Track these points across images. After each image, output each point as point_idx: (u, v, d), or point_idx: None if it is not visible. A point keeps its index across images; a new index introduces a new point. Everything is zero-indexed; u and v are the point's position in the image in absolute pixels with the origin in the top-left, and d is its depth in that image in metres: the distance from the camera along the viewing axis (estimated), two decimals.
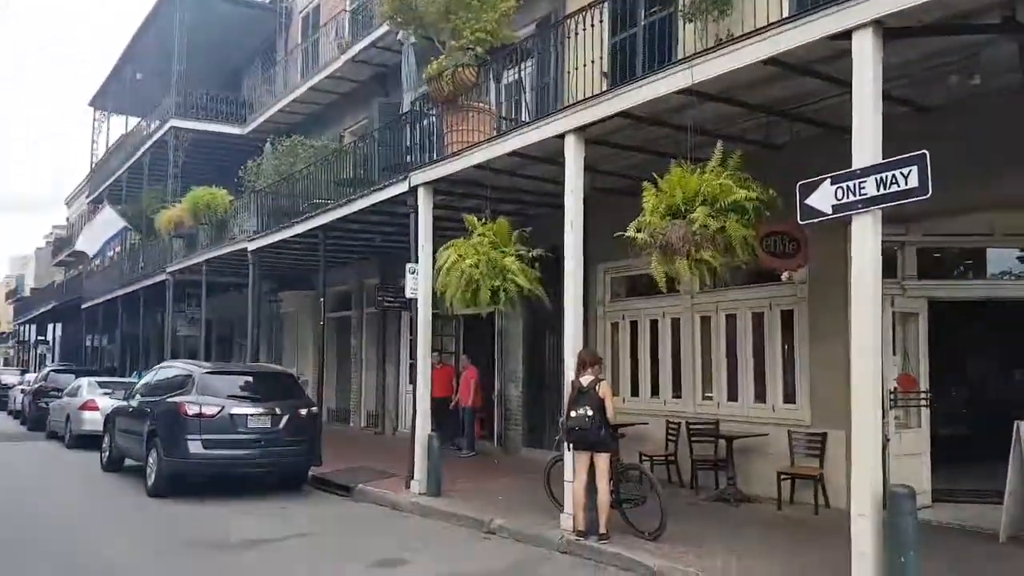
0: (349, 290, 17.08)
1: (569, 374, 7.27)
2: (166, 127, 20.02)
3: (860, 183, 5.32)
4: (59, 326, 38.06)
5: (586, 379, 6.99)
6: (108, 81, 25.49)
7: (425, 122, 10.94)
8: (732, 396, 9.36)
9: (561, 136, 7.67)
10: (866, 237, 5.33)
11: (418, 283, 9.54)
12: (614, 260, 10.20)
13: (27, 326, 42.21)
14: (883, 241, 8.08)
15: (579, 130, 7.51)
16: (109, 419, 12.04)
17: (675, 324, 10.09)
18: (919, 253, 8.23)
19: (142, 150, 21.98)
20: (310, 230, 12.47)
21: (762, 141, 8.22)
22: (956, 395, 11.87)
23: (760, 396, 9.07)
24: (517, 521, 7.77)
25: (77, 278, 29.87)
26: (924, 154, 5.04)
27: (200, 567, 6.64)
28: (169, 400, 9.99)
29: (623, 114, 7.39)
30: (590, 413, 6.79)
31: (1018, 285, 8.23)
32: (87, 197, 28.81)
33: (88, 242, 22.35)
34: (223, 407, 9.58)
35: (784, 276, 8.85)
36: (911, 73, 6.61)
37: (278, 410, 9.89)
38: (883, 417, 7.81)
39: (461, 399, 12.36)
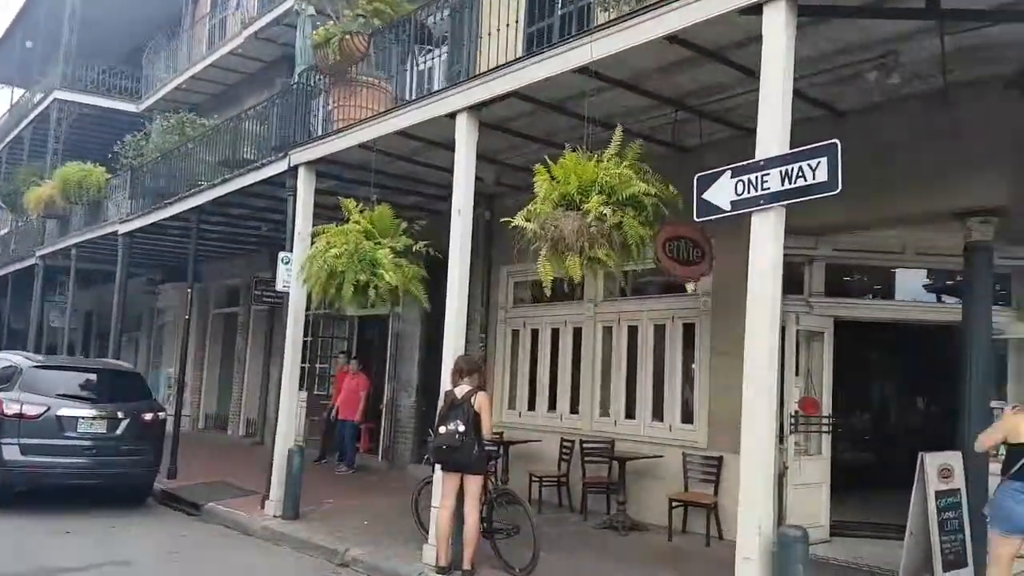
0: (238, 284, 15.73)
1: (445, 384, 6.40)
2: (49, 99, 18.22)
3: (763, 176, 4.68)
4: None
5: (461, 390, 6.13)
6: None
7: (317, 102, 9.93)
8: (630, 413, 8.68)
9: (452, 115, 6.84)
10: (767, 237, 4.67)
11: (291, 275, 8.49)
12: (520, 263, 9.36)
13: None
14: (791, 255, 7.59)
15: (472, 110, 6.70)
16: None
17: (576, 334, 9.37)
18: (828, 269, 7.76)
19: (23, 124, 20.01)
20: (182, 213, 11.22)
21: (671, 142, 7.61)
22: (859, 421, 11.62)
23: (658, 414, 8.42)
24: (376, 552, 6.80)
25: None
26: (835, 144, 4.44)
27: None
28: None
29: (521, 96, 6.65)
30: (461, 429, 5.92)
31: (925, 308, 7.86)
32: None
33: None
34: (49, 407, 8.22)
35: (689, 287, 8.29)
36: (826, 68, 6.09)
37: (117, 413, 8.60)
38: (782, 443, 7.33)
39: (341, 410, 11.25)
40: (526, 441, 9.27)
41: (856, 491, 9.00)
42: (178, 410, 11.28)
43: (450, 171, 6.82)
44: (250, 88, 15.97)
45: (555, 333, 9.66)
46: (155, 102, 17.51)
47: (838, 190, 4.42)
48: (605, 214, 5.37)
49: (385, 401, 11.70)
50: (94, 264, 15.80)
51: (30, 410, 8.14)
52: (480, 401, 6.03)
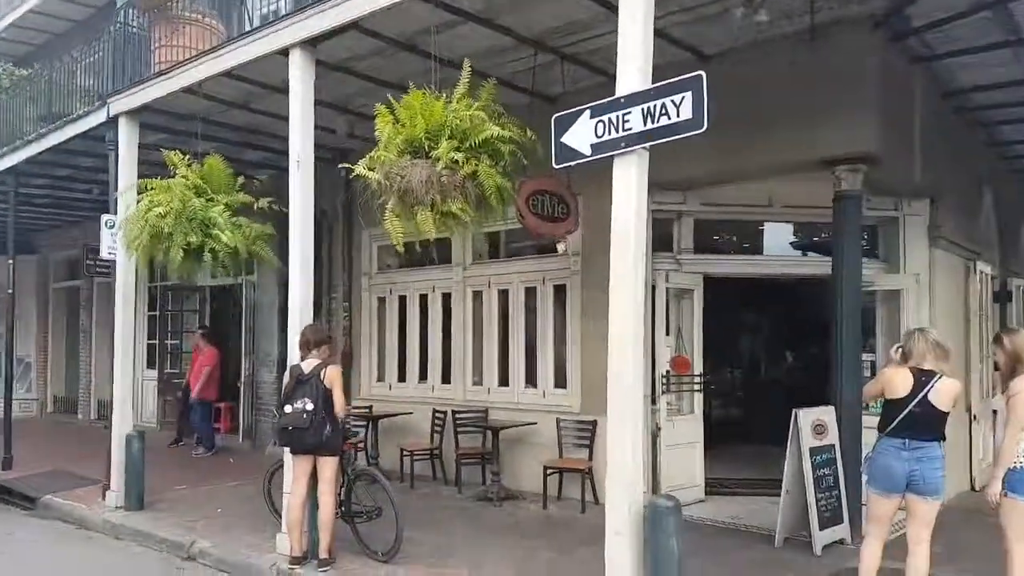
0: (77, 256, 14.00)
1: (295, 358, 5.64)
2: None
3: (624, 115, 4.18)
4: None
5: (309, 364, 5.40)
6: None
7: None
8: (503, 381, 8.19)
9: (285, 52, 5.96)
10: (630, 184, 4.19)
11: (117, 241, 7.39)
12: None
13: None
14: (659, 211, 7.40)
15: (307, 44, 5.84)
16: None
17: (446, 300, 8.75)
18: (696, 225, 7.50)
19: None
20: None
21: (532, 89, 6.99)
22: (730, 377, 11.73)
23: (531, 381, 7.98)
24: (227, 543, 6.06)
25: None
26: (700, 76, 3.98)
27: None
28: None
29: (363, 30, 5.86)
30: (310, 407, 5.22)
31: (793, 262, 7.77)
32: None
33: None
34: None
35: (560, 247, 7.84)
36: (691, 6, 5.67)
37: None
38: (655, 404, 7.07)
39: (192, 389, 10.21)
40: (396, 414, 8.64)
41: (729, 449, 9.00)
42: (8, 394, 9.90)
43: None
44: (84, 37, 14.08)
45: (423, 300, 9.00)
46: None
47: (704, 128, 3.97)
48: (457, 161, 4.75)
49: (243, 377, 10.71)
50: None
51: None
52: (330, 375, 5.34)
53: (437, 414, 8.25)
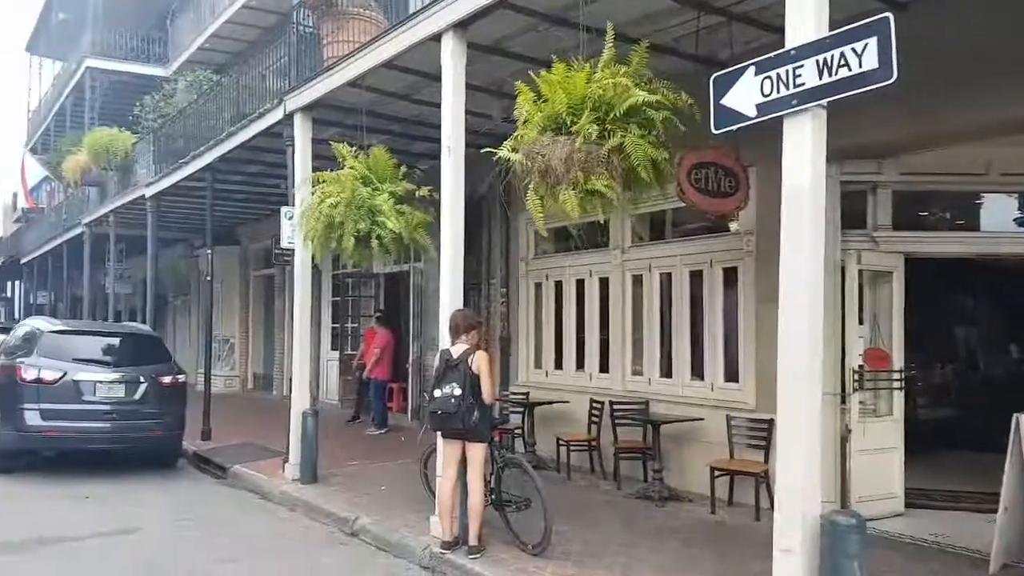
0: (271, 246, 15.31)
1: (445, 343, 5.64)
2: (81, 69, 18.09)
3: (795, 69, 3.65)
4: (19, 283, 36.02)
5: (458, 348, 5.36)
6: (38, 24, 23.46)
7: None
8: (666, 372, 7.73)
9: (437, 37, 5.92)
10: (804, 148, 3.66)
11: (295, 231, 7.85)
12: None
13: None
14: (850, 182, 6.58)
15: (458, 28, 5.76)
16: None
17: (603, 285, 8.42)
18: (895, 197, 6.54)
19: (64, 94, 20.05)
20: (196, 173, 10.72)
21: (699, 54, 6.42)
22: (940, 375, 10.31)
23: (698, 372, 7.45)
24: (387, 521, 6.22)
25: (19, 232, 27.96)
26: (887, 18, 3.36)
27: None
28: (6, 363, 8.40)
29: (512, 6, 5.66)
30: (457, 393, 5.17)
31: (1016, 239, 6.57)
32: (25, 146, 26.79)
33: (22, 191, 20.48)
34: (65, 372, 8.01)
35: (732, 225, 7.23)
36: None
37: (136, 378, 8.35)
38: (844, 403, 6.29)
39: (366, 368, 10.73)
40: (552, 402, 8.47)
41: (936, 456, 7.89)
42: (208, 371, 11.03)
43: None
44: (268, 43, 15.31)
45: (580, 285, 8.73)
46: (182, 65, 17.11)
47: (893, 78, 3.34)
48: (604, 134, 4.42)
49: (411, 360, 11.08)
50: (133, 230, 15.66)
51: (48, 375, 7.96)
52: (479, 361, 5.25)
53: (595, 404, 7.96)
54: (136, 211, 14.01)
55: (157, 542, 5.99)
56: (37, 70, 25.35)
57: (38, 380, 7.90)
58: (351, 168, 6.73)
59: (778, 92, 3.73)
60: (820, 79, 3.56)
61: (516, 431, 8.55)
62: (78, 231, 17.25)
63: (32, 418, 7.80)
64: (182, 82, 14.23)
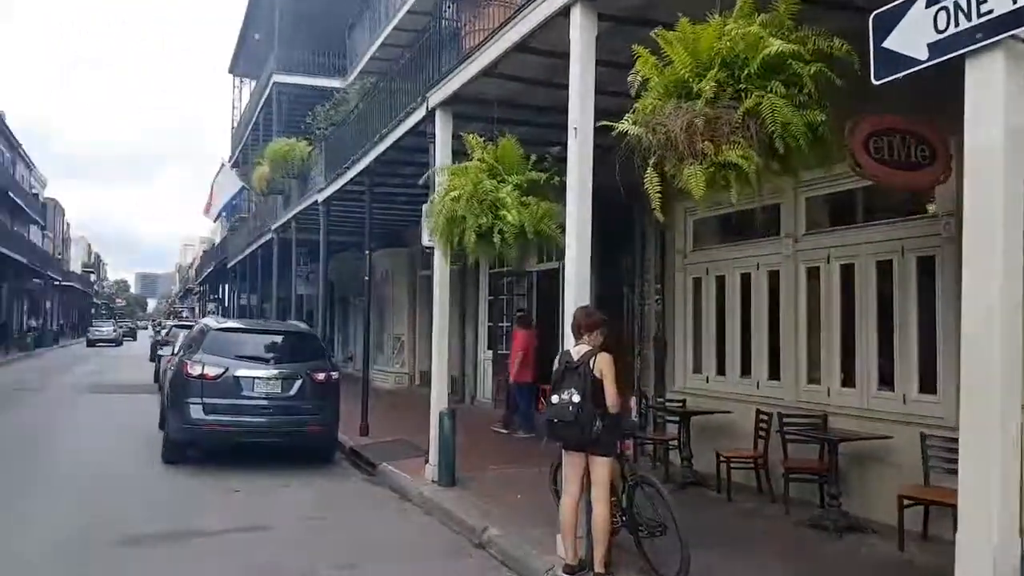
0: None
1: (570, 343, 5.24)
2: (270, 84, 19.78)
3: None
4: (227, 286, 40.46)
5: (578, 350, 4.93)
6: (238, 47, 26.09)
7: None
8: (848, 380, 6.73)
9: (566, 11, 5.54)
10: (993, 93, 2.87)
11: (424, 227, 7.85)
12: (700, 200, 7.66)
13: (207, 285, 45.34)
14: None
15: None
16: (162, 375, 11.62)
17: (773, 279, 7.54)
18: None
19: (256, 110, 22.08)
20: (356, 177, 11.16)
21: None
22: None
23: (887, 381, 6.40)
24: (515, 534, 5.93)
25: (225, 239, 31.39)
26: None
27: (90, 566, 5.40)
28: (178, 359, 9.22)
29: None
30: (576, 399, 4.74)
31: None
32: (228, 161, 30.05)
33: (215, 205, 22.98)
34: (227, 368, 8.60)
35: (930, 206, 6.13)
36: None
37: (290, 373, 8.80)
38: None
39: (510, 370, 10.57)
40: (712, 412, 7.73)
41: None
42: (366, 368, 11.47)
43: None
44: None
45: (745, 279, 7.89)
46: (358, 75, 18.08)
47: None
48: (725, 96, 3.80)
49: None
50: (313, 234, 16.82)
51: (211, 371, 8.58)
52: (601, 364, 4.79)
53: (762, 416, 7.13)
54: (312, 216, 14.98)
55: (281, 541, 6.12)
56: (238, 90, 28.25)
57: (201, 376, 8.55)
58: (479, 160, 6.53)
59: (956, 26, 2.98)
60: (1015, 2, 2.76)
61: (671, 443, 7.93)
62: (268, 237, 18.86)
63: (196, 412, 8.44)
64: (352, 91, 15.00)
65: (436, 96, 8.00)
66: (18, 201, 40.54)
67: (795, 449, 6.68)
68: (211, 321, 10.11)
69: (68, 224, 71.69)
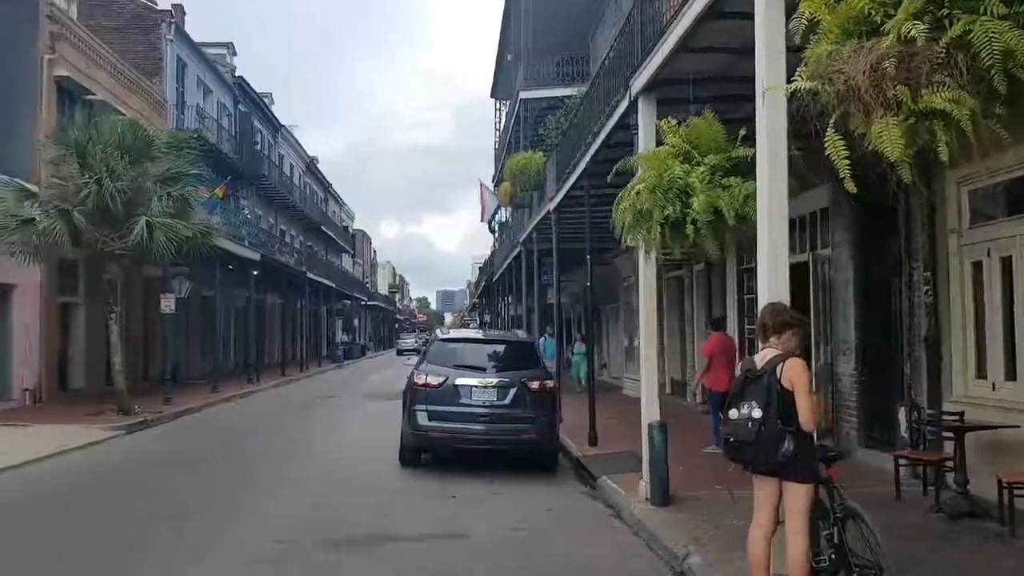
0: None
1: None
2: (517, 101, 20.57)
3: None
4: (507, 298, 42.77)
5: (764, 356, 4.22)
6: (496, 72, 27.63)
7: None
8: None
9: None
10: None
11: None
12: (975, 165, 6.22)
13: (483, 298, 48.40)
14: None
15: None
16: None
17: None
18: None
19: (509, 128, 23.12)
20: (577, 180, 11.04)
21: None
22: None
23: None
24: (720, 565, 5.29)
25: (494, 253, 33.25)
26: None
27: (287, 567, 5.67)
28: (413, 369, 9.84)
29: None
30: (757, 414, 4.04)
31: None
32: (492, 180, 31.86)
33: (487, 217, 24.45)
34: (447, 377, 8.98)
35: None
36: None
37: (506, 382, 8.95)
38: None
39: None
40: (995, 427, 6.24)
41: None
42: (592, 375, 11.36)
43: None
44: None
45: None
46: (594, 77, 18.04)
47: None
48: (920, 26, 2.96)
49: (816, 368, 9.47)
50: (550, 244, 17.11)
51: (433, 380, 9.04)
52: (790, 372, 4.04)
53: None
54: (547, 226, 15.20)
55: (471, 552, 6.08)
56: (498, 112, 29.89)
57: (425, 384, 9.01)
58: (670, 145, 6.00)
59: None
60: None
61: (946, 464, 6.56)
62: (517, 250, 19.59)
63: (422, 418, 8.89)
64: (580, 95, 14.98)
65: (637, 83, 7.57)
66: (330, 233, 47.29)
67: None
68: (438, 332, 10.68)
69: (375, 251, 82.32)
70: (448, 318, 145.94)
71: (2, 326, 14.40)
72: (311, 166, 46.63)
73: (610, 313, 21.30)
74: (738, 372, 4.40)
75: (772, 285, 4.71)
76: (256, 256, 23.39)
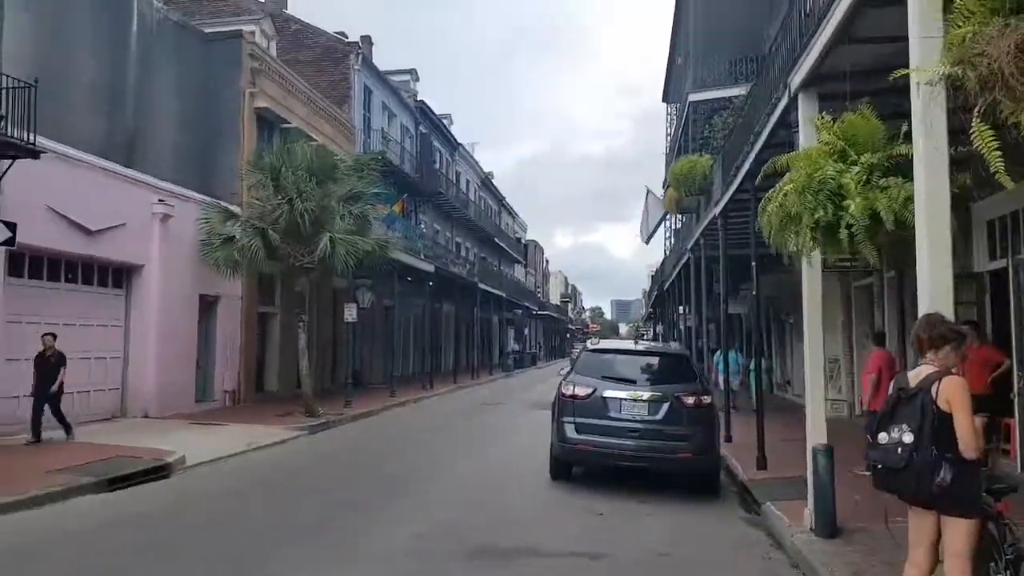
0: None
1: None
2: (687, 105, 20.12)
3: None
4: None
5: (919, 373, 3.84)
6: (667, 75, 27.21)
7: None
8: None
9: None
10: None
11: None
12: None
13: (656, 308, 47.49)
14: None
15: None
16: None
17: None
18: None
19: (678, 132, 22.63)
20: (743, 183, 10.57)
21: None
22: None
23: None
24: None
25: (665, 261, 32.56)
26: None
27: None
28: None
29: None
30: (908, 439, 3.69)
31: None
32: (663, 186, 31.17)
33: (645, 229, 24.08)
34: (595, 388, 8.78)
35: None
36: None
37: (658, 396, 8.61)
38: None
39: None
40: None
41: None
42: (759, 392, 10.72)
43: None
44: None
45: None
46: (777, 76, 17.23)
47: None
48: None
49: (1018, 387, 8.35)
50: (717, 251, 16.45)
51: (580, 391, 8.86)
52: (948, 391, 3.65)
53: None
54: (714, 230, 14.66)
55: (612, 572, 5.96)
56: (670, 116, 29.32)
57: (573, 396, 8.84)
58: (823, 143, 5.63)
59: None
60: None
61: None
62: (686, 257, 19.07)
63: (570, 430, 8.74)
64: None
65: (796, 77, 7.15)
66: (502, 245, 48.72)
67: None
68: (589, 343, 10.54)
69: (547, 261, 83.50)
70: (623, 328, 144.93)
71: (207, 333, 16.23)
72: (486, 181, 48.38)
73: (795, 324, 20.10)
74: (891, 390, 4.01)
75: (932, 294, 4.26)
76: (431, 268, 24.65)
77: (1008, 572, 3.73)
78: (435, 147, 35.25)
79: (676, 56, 24.57)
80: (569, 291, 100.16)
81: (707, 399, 8.77)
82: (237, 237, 13.82)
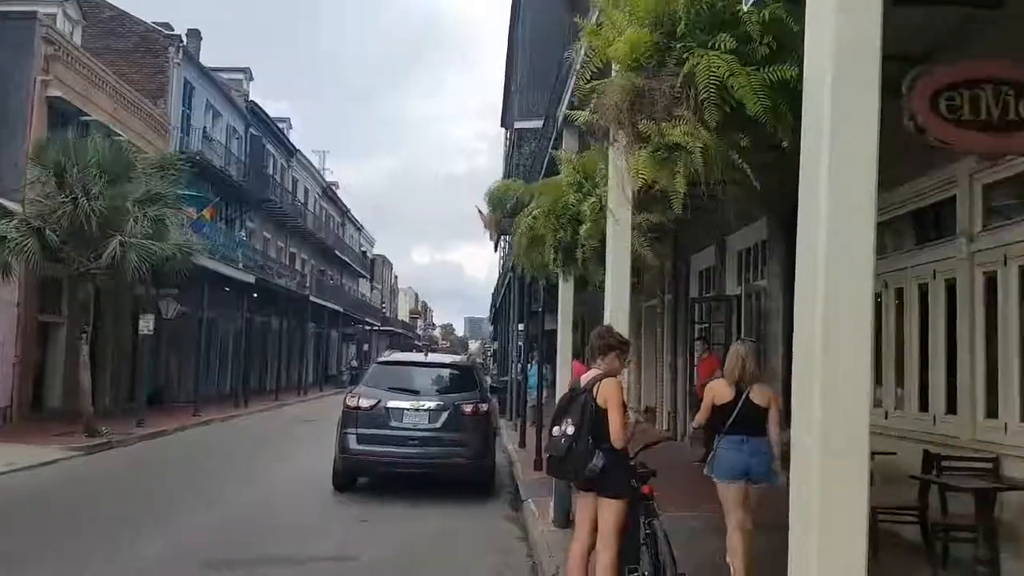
0: None
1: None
2: (512, 131, 21.18)
3: None
4: None
5: (588, 375, 4.58)
6: (504, 103, 28.29)
7: None
8: None
9: None
10: None
11: None
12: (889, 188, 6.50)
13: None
14: None
15: None
16: None
17: (950, 290, 6.15)
18: None
19: (508, 157, 23.72)
20: None
21: None
22: None
23: None
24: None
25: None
26: None
27: None
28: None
29: None
30: (570, 431, 4.40)
31: None
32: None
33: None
34: (380, 400, 9.27)
35: None
36: None
37: (439, 406, 9.24)
38: None
39: None
40: (875, 453, 6.43)
41: None
42: (540, 398, 11.55)
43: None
44: None
45: (922, 291, 6.54)
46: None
47: None
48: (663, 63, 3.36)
49: None
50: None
51: (365, 403, 9.35)
52: (605, 391, 4.39)
53: (931, 458, 5.80)
54: None
55: (356, 573, 6.37)
56: (508, 141, 30.55)
57: (357, 407, 9.32)
58: (566, 176, 6.44)
59: None
60: None
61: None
62: (507, 277, 20.03)
63: (352, 442, 9.18)
64: None
65: (561, 113, 8.03)
66: (345, 259, 48.18)
67: (955, 500, 5.35)
68: (383, 356, 11.01)
69: (396, 277, 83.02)
70: (472, 345, 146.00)
71: None
72: (328, 191, 47.71)
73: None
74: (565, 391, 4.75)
75: (612, 311, 5.06)
76: (251, 279, 24.09)
77: (645, 544, 4.52)
78: (268, 151, 34.45)
79: (511, 83, 25.73)
80: (419, 307, 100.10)
81: (484, 407, 9.53)
82: (8, 237, 12.97)
